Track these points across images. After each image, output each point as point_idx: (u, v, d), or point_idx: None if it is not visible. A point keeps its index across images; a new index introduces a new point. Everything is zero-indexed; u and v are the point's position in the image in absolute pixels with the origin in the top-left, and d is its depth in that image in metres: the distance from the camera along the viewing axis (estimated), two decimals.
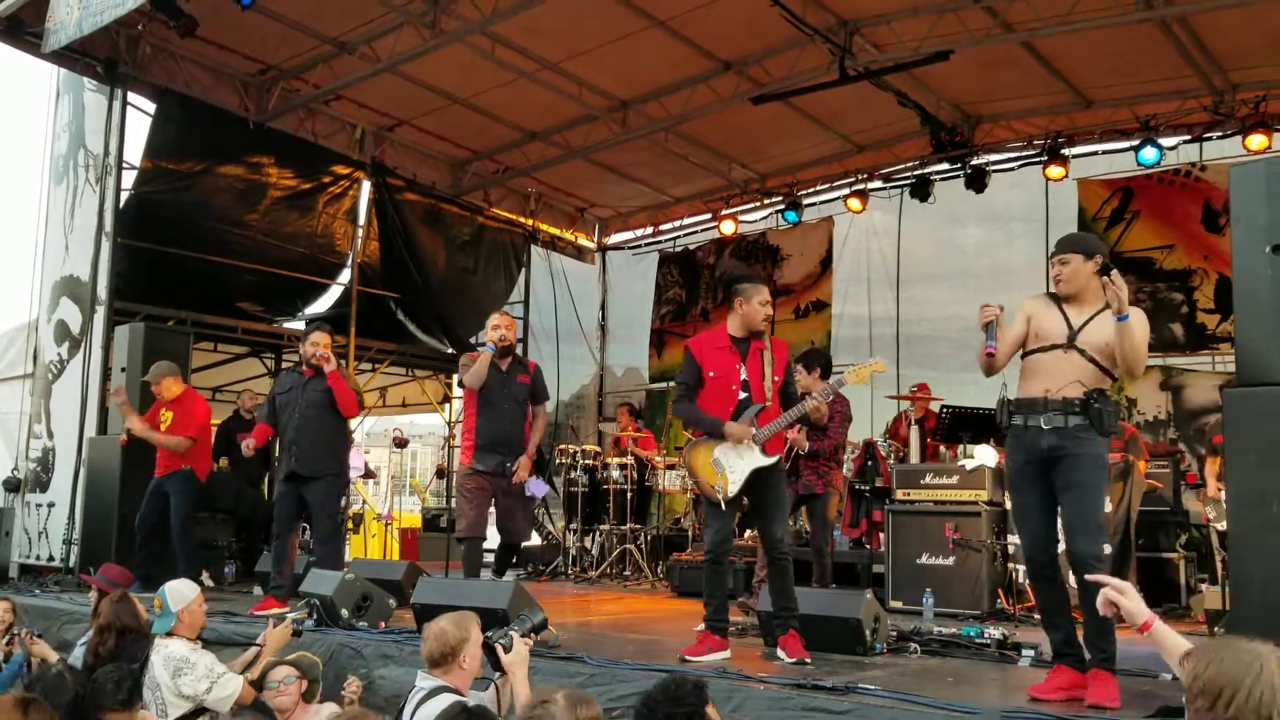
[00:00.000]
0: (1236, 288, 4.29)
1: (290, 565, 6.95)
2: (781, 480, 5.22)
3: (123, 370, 8.76)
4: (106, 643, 5.04)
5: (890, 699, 3.95)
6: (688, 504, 10.41)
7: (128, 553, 8.00)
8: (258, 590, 7.94)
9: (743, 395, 5.10)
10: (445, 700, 3.52)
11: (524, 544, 6.48)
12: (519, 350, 6.72)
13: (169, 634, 4.72)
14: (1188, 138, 10.31)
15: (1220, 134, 10.09)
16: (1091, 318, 4.19)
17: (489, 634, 3.77)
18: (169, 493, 7.85)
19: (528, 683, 3.72)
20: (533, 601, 5.39)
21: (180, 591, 4.79)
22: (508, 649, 3.70)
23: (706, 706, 2.86)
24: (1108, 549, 6.96)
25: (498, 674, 3.85)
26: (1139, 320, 4.06)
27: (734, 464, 5.05)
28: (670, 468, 10.48)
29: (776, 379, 5.11)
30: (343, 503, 7.67)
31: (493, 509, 6.86)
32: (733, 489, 5.05)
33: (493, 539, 7.56)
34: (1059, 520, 4.18)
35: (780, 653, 4.96)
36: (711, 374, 5.17)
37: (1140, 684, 4.51)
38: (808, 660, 4.79)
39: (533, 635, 3.95)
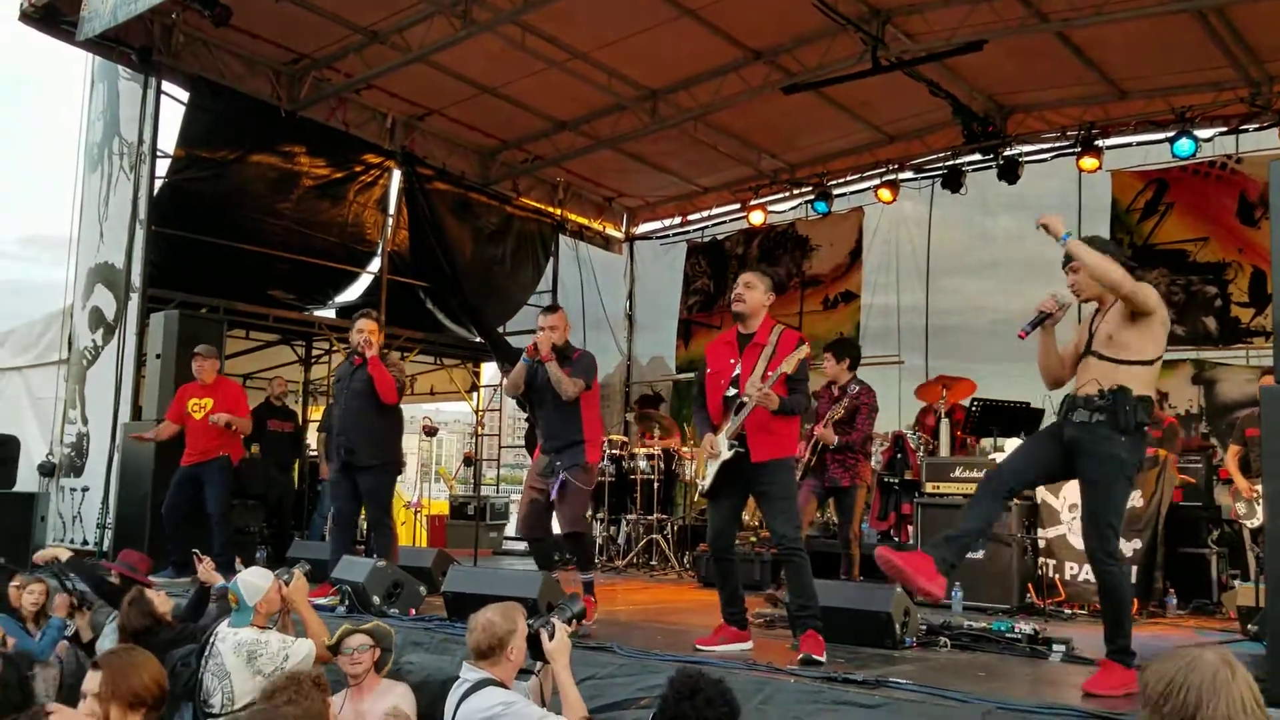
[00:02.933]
0: (1276, 285, 4.23)
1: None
2: (774, 476, 4.95)
3: (157, 357, 8.87)
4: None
5: (921, 693, 3.95)
6: None
7: (161, 537, 8.10)
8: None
9: (731, 391, 5.01)
10: (490, 693, 3.54)
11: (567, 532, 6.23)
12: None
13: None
14: (1223, 129, 10.17)
15: (1257, 126, 9.96)
16: (1100, 321, 4.38)
17: (530, 621, 3.78)
18: (203, 481, 7.93)
19: (570, 670, 3.74)
20: (563, 591, 5.42)
21: (254, 585, 4.74)
22: (551, 636, 3.71)
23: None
24: (1136, 544, 6.98)
25: (538, 664, 3.86)
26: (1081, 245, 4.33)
27: (710, 462, 5.10)
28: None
29: (770, 373, 4.91)
30: (394, 491, 7.61)
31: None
32: (704, 484, 5.16)
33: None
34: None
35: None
36: (710, 370, 5.20)
37: None
38: (816, 658, 4.55)
39: (574, 624, 3.95)
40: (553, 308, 6.35)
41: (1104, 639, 4.28)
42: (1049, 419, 7.51)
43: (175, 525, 7.95)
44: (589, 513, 6.38)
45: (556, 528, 6.27)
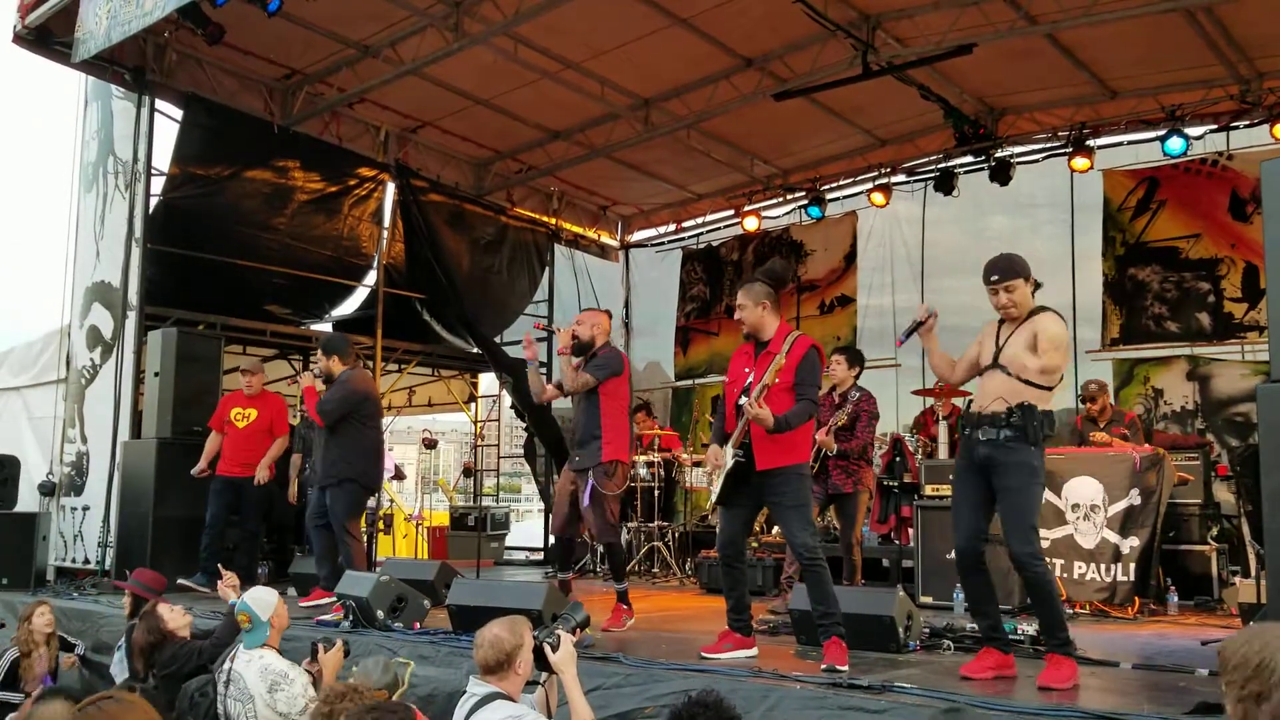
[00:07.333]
0: (1270, 283, 4.27)
1: (331, 560, 7.12)
2: (786, 484, 4.98)
3: (155, 374, 8.89)
4: (138, 663, 5.12)
5: (926, 697, 3.96)
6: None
7: (162, 554, 8.16)
8: (292, 591, 8.04)
9: (742, 400, 5.02)
10: (499, 706, 3.55)
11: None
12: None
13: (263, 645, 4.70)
14: (1214, 127, 10.20)
15: (1247, 123, 10.00)
16: (1009, 337, 4.60)
17: (536, 634, 3.79)
18: (245, 495, 8.28)
19: (579, 680, 3.75)
20: (567, 601, 5.43)
21: (265, 600, 4.77)
22: (555, 648, 3.72)
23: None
24: (1134, 541, 7.00)
25: (544, 675, 3.87)
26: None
27: (719, 471, 5.16)
28: (697, 464, 10.49)
29: (775, 381, 4.92)
30: (366, 507, 7.76)
31: None
32: (714, 492, 5.23)
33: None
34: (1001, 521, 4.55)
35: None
36: (728, 379, 5.28)
37: (1175, 679, 4.53)
38: (839, 668, 4.58)
39: (578, 632, 3.96)
40: (588, 309, 6.78)
41: (1042, 633, 4.59)
42: None
43: (214, 535, 8.17)
44: (618, 520, 6.44)
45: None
